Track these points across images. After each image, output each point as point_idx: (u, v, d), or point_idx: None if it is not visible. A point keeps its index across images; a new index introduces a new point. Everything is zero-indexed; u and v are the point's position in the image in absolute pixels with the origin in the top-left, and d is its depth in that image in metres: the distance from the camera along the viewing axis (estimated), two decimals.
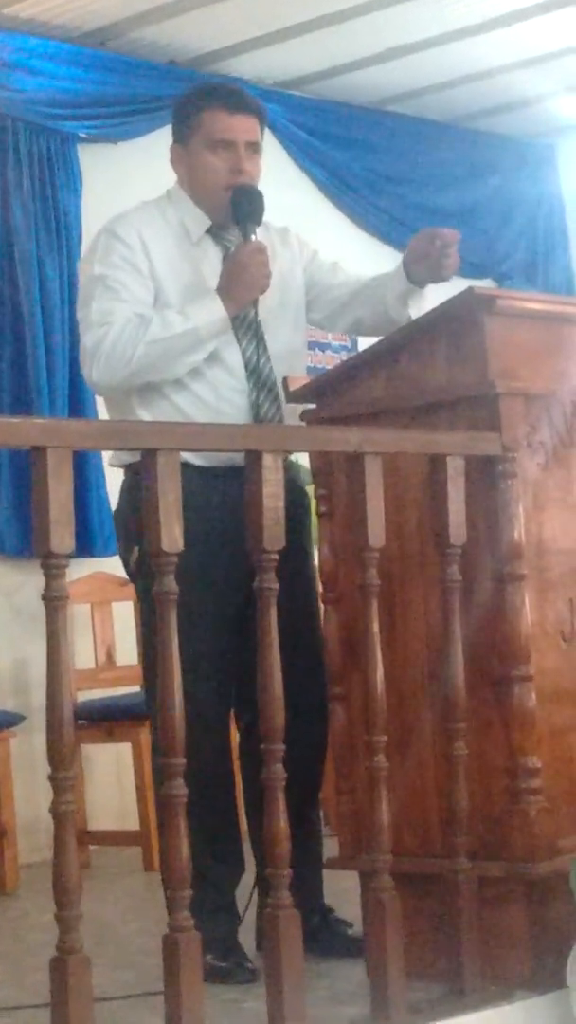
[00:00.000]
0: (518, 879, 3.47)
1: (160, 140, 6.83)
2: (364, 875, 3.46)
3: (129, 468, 3.92)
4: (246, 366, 3.92)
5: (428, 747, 3.59)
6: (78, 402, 6.45)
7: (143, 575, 3.76)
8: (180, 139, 4.07)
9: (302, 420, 3.81)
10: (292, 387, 3.88)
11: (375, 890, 3.32)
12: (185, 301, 3.88)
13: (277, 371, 3.97)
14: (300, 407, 3.85)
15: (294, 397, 3.87)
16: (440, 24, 6.84)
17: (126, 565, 3.99)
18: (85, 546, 6.29)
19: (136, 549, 3.82)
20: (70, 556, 2.83)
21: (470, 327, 3.56)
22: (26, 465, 2.86)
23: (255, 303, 3.90)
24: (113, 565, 6.38)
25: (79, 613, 6.11)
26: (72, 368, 6.44)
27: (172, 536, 2.96)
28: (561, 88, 7.74)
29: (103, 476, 6.47)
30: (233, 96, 4.08)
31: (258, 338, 3.93)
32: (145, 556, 3.58)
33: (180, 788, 2.97)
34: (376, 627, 3.35)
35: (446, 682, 3.48)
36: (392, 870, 3.34)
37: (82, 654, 6.10)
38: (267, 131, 7.21)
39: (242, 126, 4.01)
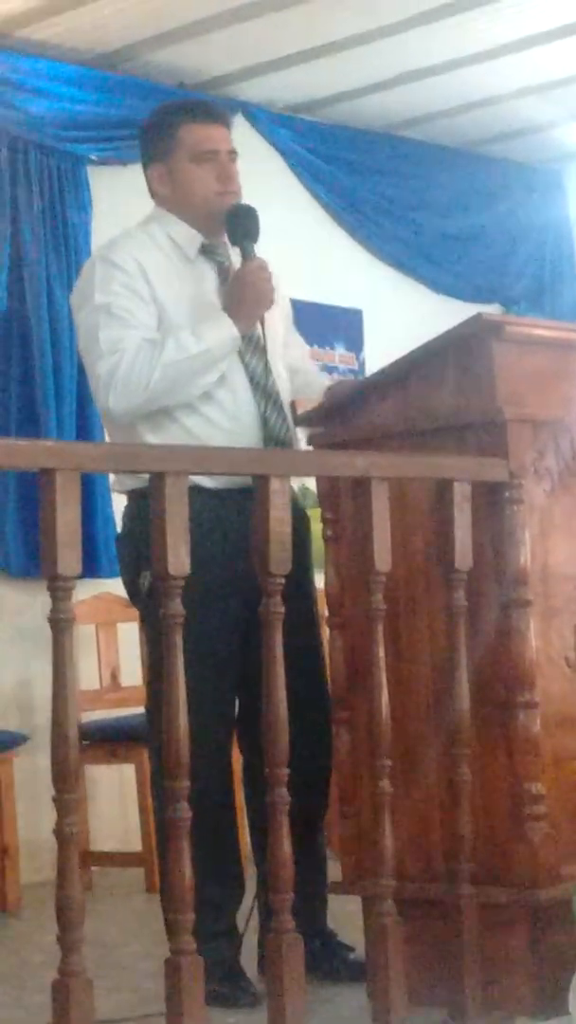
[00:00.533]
0: (521, 905, 3.47)
1: None
2: (367, 900, 3.45)
3: (133, 494, 3.92)
4: (252, 381, 3.95)
5: (432, 772, 3.59)
6: (86, 424, 6.46)
7: (154, 602, 3.73)
8: (160, 158, 4.07)
9: (310, 444, 3.81)
10: (300, 410, 3.88)
11: (378, 915, 3.32)
12: (190, 321, 3.89)
13: (280, 385, 4.00)
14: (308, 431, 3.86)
15: (301, 421, 3.87)
16: (449, 51, 6.86)
17: (130, 588, 3.99)
18: (91, 567, 6.29)
19: (147, 574, 3.80)
20: (77, 578, 2.84)
21: (478, 353, 3.57)
22: (33, 487, 2.86)
23: (261, 320, 3.94)
24: (119, 587, 6.39)
25: (84, 634, 6.11)
26: (80, 390, 6.45)
27: (179, 560, 2.96)
28: (569, 115, 7.75)
29: (109, 498, 6.47)
30: (206, 108, 4.15)
31: (263, 354, 3.97)
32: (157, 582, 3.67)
33: (183, 811, 2.97)
34: (381, 651, 3.36)
35: (451, 707, 3.48)
36: (395, 895, 3.34)
37: (87, 675, 6.10)
38: (277, 155, 7.27)
39: (220, 135, 4.07)
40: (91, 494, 6.32)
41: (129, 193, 6.76)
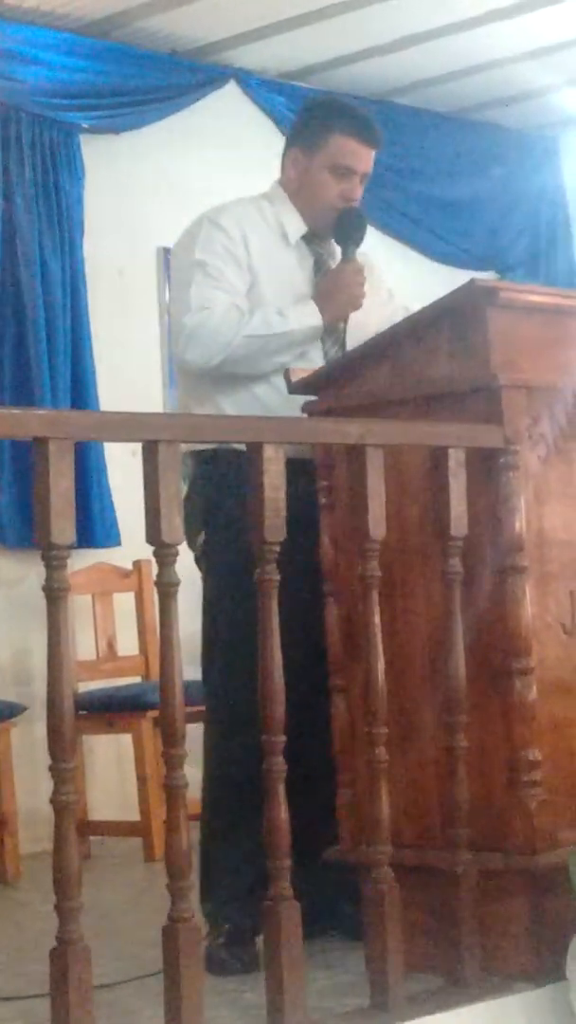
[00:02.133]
0: (518, 871, 3.47)
1: (162, 131, 6.92)
2: (364, 867, 3.45)
3: (194, 456, 4.02)
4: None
5: (428, 739, 3.59)
6: (80, 393, 6.45)
7: (207, 562, 3.97)
8: (302, 146, 4.18)
9: (304, 412, 3.81)
10: (294, 378, 3.88)
11: (375, 882, 3.32)
12: (278, 299, 4.02)
13: None
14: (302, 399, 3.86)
15: (296, 389, 3.87)
16: (444, 15, 6.82)
17: (192, 548, 4.02)
18: (87, 537, 6.29)
19: (203, 533, 3.95)
20: (71, 547, 2.84)
21: (473, 319, 3.56)
22: (28, 456, 2.86)
23: (346, 318, 4.08)
24: (115, 556, 6.41)
25: (80, 604, 6.11)
26: (74, 359, 6.44)
27: (172, 527, 2.96)
28: (565, 81, 7.72)
29: (105, 467, 6.47)
30: (367, 127, 4.20)
31: (341, 345, 4.08)
32: (209, 543, 3.89)
33: (181, 779, 2.97)
34: (377, 619, 3.36)
35: (447, 674, 3.48)
36: (392, 862, 3.34)
37: (83, 645, 6.11)
38: (269, 121, 7.25)
39: (367, 157, 4.18)
40: (86, 464, 6.32)
41: (122, 161, 6.80)
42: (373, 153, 4.19)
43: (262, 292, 4.03)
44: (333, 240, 4.20)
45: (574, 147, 8.63)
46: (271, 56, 7.13)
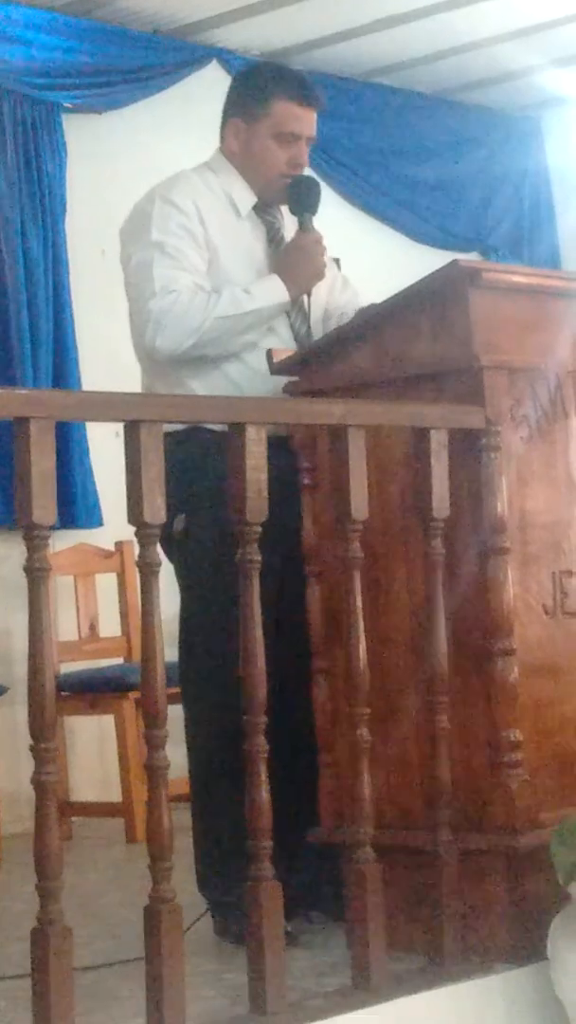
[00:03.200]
0: (499, 852, 3.48)
1: (144, 110, 6.90)
2: (346, 848, 3.46)
3: (168, 438, 3.93)
4: (296, 338, 4.02)
5: (411, 720, 3.59)
6: (62, 373, 6.44)
7: (188, 544, 3.90)
8: (243, 116, 4.11)
9: (286, 392, 3.80)
10: (276, 360, 3.87)
11: (357, 862, 3.33)
12: (238, 273, 3.98)
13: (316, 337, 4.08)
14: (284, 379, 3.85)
15: (278, 369, 3.86)
16: None
17: (165, 535, 3.98)
18: (69, 518, 6.29)
19: (181, 517, 3.86)
20: (52, 527, 2.83)
21: (455, 300, 3.55)
22: (9, 436, 2.85)
23: (309, 289, 4.04)
24: (97, 537, 6.40)
25: (63, 585, 6.10)
26: (56, 339, 6.43)
27: (154, 507, 2.96)
28: (547, 61, 7.72)
29: (87, 448, 6.47)
30: (306, 89, 4.15)
31: (304, 313, 4.05)
32: (191, 524, 3.84)
33: (163, 759, 2.97)
34: (359, 600, 3.36)
35: (429, 656, 3.48)
36: (374, 843, 3.35)
37: (65, 626, 6.10)
38: None
39: (309, 120, 4.12)
40: (68, 444, 6.31)
41: (104, 141, 6.78)
42: (315, 115, 4.14)
43: (222, 267, 3.97)
44: (287, 209, 4.14)
45: (557, 128, 8.63)
46: (254, 36, 7.12)
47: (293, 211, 4.11)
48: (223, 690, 3.57)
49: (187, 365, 3.95)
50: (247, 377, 3.95)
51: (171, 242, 3.94)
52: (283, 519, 3.54)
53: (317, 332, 4.07)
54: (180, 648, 3.98)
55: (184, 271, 3.92)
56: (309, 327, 4.06)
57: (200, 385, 3.95)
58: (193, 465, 3.81)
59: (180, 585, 4.00)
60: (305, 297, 4.04)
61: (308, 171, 4.20)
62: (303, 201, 4.08)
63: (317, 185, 4.15)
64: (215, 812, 3.86)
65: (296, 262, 4.02)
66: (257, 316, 3.94)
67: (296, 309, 4.05)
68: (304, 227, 4.07)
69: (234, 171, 4.11)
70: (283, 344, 3.99)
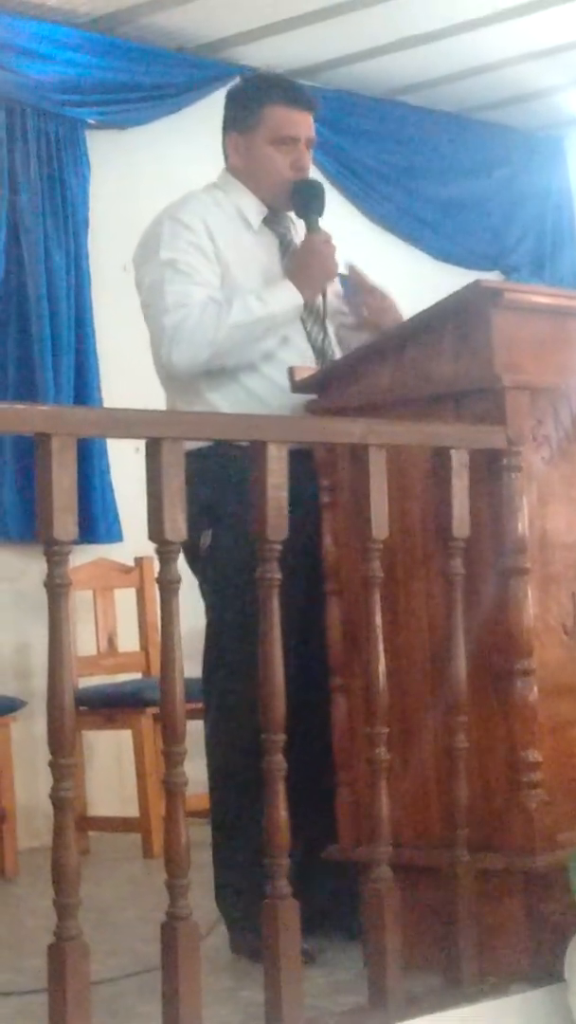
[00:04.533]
0: (517, 872, 3.47)
1: (168, 127, 6.92)
2: (363, 866, 3.45)
3: (192, 455, 3.92)
4: (313, 347, 4.04)
5: (429, 739, 3.59)
6: (83, 389, 6.46)
7: (214, 559, 3.91)
8: (239, 129, 4.15)
9: (307, 410, 3.81)
10: (297, 378, 3.88)
11: (374, 881, 3.32)
12: (251, 285, 3.98)
13: (339, 350, 4.10)
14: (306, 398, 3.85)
15: (299, 387, 3.87)
16: (451, 15, 6.83)
17: (189, 549, 3.97)
18: (89, 533, 6.30)
19: (208, 533, 3.89)
20: (73, 543, 2.84)
21: (477, 320, 3.55)
22: (31, 451, 2.86)
23: (323, 291, 4.05)
24: (117, 552, 6.41)
25: (82, 599, 6.11)
26: (78, 355, 6.45)
27: (175, 524, 2.96)
28: (570, 81, 7.73)
29: (108, 463, 6.48)
30: (296, 92, 4.19)
31: (321, 321, 4.06)
32: (217, 539, 3.85)
33: (181, 776, 2.97)
34: (378, 619, 3.35)
35: (448, 675, 3.48)
36: (391, 861, 3.34)
37: (84, 640, 6.11)
38: None
39: (305, 122, 4.14)
40: (89, 460, 6.32)
41: (127, 157, 6.80)
42: (311, 117, 4.15)
43: (235, 281, 3.98)
44: (293, 215, 4.15)
45: None
46: (277, 53, 7.12)
47: (299, 214, 4.12)
48: (246, 706, 3.57)
49: (206, 379, 3.96)
50: (267, 390, 3.95)
51: (182, 259, 3.96)
52: (311, 533, 3.55)
53: (332, 335, 4.11)
54: (204, 662, 3.99)
55: (197, 285, 3.93)
56: (327, 334, 4.07)
57: (220, 399, 3.96)
58: (219, 481, 3.83)
59: (205, 601, 4.01)
60: (321, 300, 4.04)
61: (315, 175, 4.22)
62: (308, 203, 4.09)
63: (320, 186, 4.15)
64: (235, 828, 3.86)
65: (306, 264, 4.02)
66: (271, 321, 3.94)
67: (313, 318, 4.06)
68: (311, 229, 4.07)
69: (241, 186, 4.13)
70: (300, 354, 4.00)
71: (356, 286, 4.18)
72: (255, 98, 4.14)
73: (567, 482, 3.67)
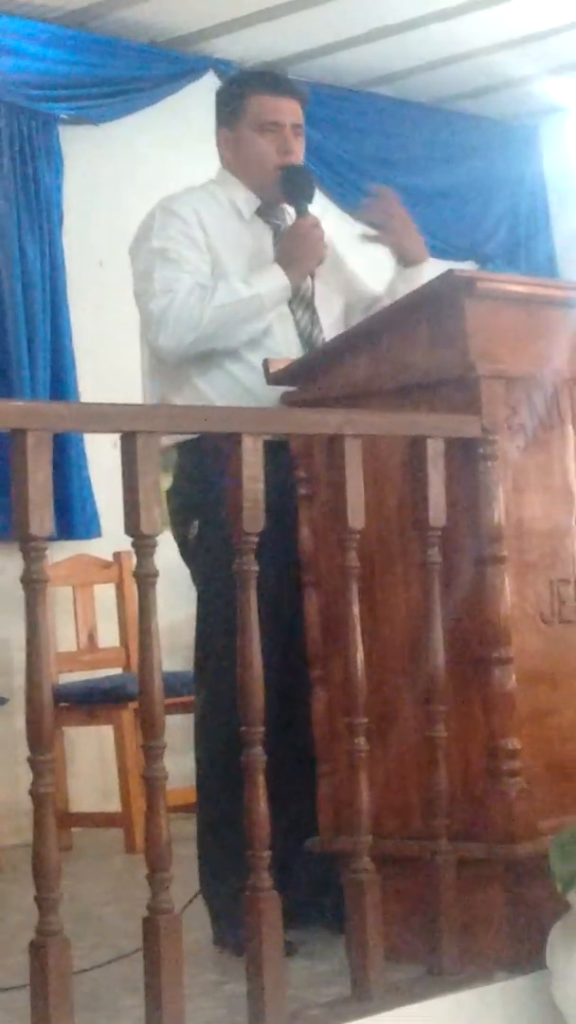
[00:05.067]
0: (498, 861, 3.48)
1: (141, 121, 6.91)
2: (344, 857, 3.46)
3: (181, 447, 4.00)
4: (300, 336, 4.06)
5: (408, 729, 3.59)
6: (59, 385, 6.44)
7: (202, 549, 3.93)
8: (226, 124, 4.19)
9: (283, 402, 3.81)
10: (273, 369, 3.87)
11: (355, 872, 3.32)
12: (243, 273, 4.00)
13: (327, 337, 4.08)
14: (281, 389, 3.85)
15: (275, 379, 3.87)
16: (424, 4, 6.83)
17: (180, 540, 4.01)
18: (68, 529, 6.29)
19: (196, 523, 3.93)
20: (50, 539, 2.83)
21: (451, 309, 3.56)
22: (5, 448, 2.85)
23: (312, 275, 4.07)
24: (96, 548, 6.40)
25: (61, 595, 6.11)
26: (54, 350, 6.44)
27: (151, 519, 2.95)
28: (544, 70, 7.73)
29: (85, 459, 6.47)
30: (277, 80, 4.22)
31: (311, 309, 4.09)
32: (204, 529, 3.86)
33: (161, 770, 2.97)
34: (356, 609, 3.35)
35: (426, 664, 3.48)
36: (372, 852, 3.34)
37: (64, 636, 6.10)
38: None
39: (288, 108, 4.16)
40: (67, 455, 6.31)
41: (100, 152, 6.78)
42: (295, 104, 4.17)
43: (225, 270, 4.00)
44: (288, 207, 4.17)
45: (554, 136, 8.64)
46: (250, 46, 7.12)
47: (288, 200, 4.14)
48: (233, 696, 3.58)
49: (195, 364, 3.99)
50: (252, 379, 3.96)
51: (171, 247, 3.99)
52: (291, 525, 3.56)
53: (333, 334, 4.08)
54: (195, 652, 4.02)
55: (185, 273, 3.96)
56: (315, 322, 4.08)
57: (207, 385, 3.98)
58: (207, 471, 3.84)
59: (197, 591, 4.03)
60: (309, 284, 4.07)
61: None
62: (295, 188, 4.12)
63: (308, 171, 4.19)
64: (219, 821, 3.86)
65: (293, 247, 4.05)
66: (257, 303, 3.95)
67: (302, 305, 4.07)
68: (300, 213, 4.10)
69: (235, 179, 4.17)
70: (288, 342, 4.00)
71: (387, 197, 4.25)
72: (237, 91, 4.20)
73: (542, 470, 3.68)
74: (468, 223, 8.35)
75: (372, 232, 4.23)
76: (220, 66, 7.17)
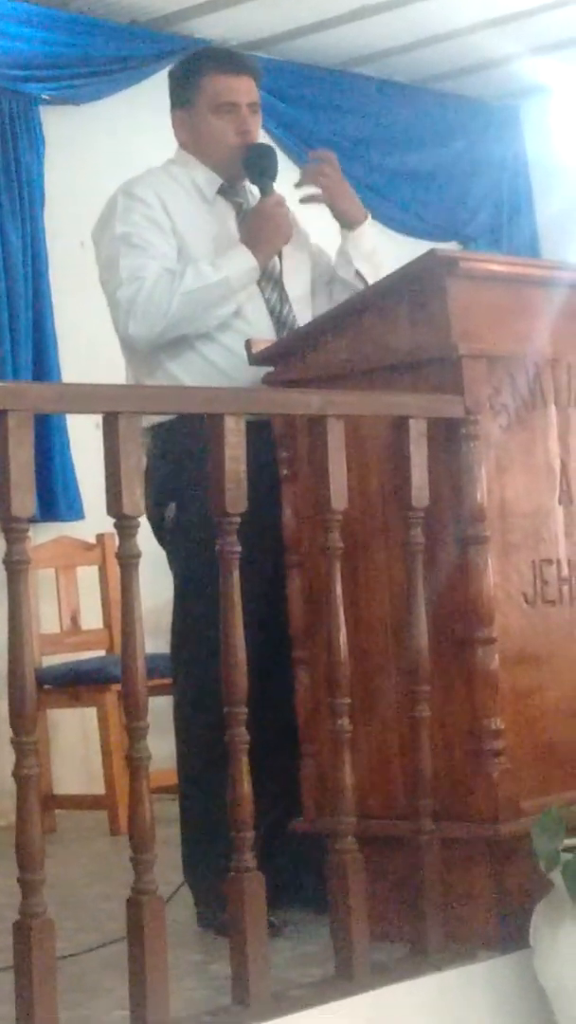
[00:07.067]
0: (481, 840, 3.48)
1: (122, 102, 6.88)
2: (328, 837, 3.46)
3: (155, 429, 3.96)
4: (270, 312, 4.04)
5: (392, 710, 3.60)
6: (42, 366, 6.43)
7: (179, 532, 3.91)
8: (181, 105, 4.16)
9: (265, 382, 3.80)
10: (255, 350, 3.87)
11: (339, 852, 3.33)
12: (209, 255, 3.97)
13: (298, 315, 4.08)
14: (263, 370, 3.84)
15: (257, 360, 3.86)
16: None
17: (155, 523, 3.97)
18: (50, 511, 6.27)
19: (173, 505, 3.91)
20: (33, 520, 2.82)
21: (433, 289, 3.55)
22: None
23: (280, 254, 4.06)
24: (79, 530, 6.39)
25: (44, 578, 6.09)
26: (36, 331, 6.41)
27: (133, 500, 2.95)
28: (526, 49, 7.71)
29: (68, 440, 6.45)
30: (231, 59, 4.21)
31: (280, 287, 4.07)
32: (181, 512, 3.84)
33: (144, 751, 2.97)
34: (339, 590, 3.35)
35: (409, 645, 3.48)
36: (356, 832, 3.35)
37: (47, 618, 6.09)
38: None
39: (243, 87, 4.13)
40: (49, 437, 6.30)
41: (82, 132, 6.76)
42: (250, 81, 4.15)
43: (192, 253, 3.98)
44: (248, 182, 4.15)
45: (536, 116, 8.62)
46: (231, 26, 7.10)
47: (252, 180, 4.12)
48: (212, 679, 3.57)
49: (166, 349, 3.96)
50: (226, 359, 3.95)
51: (136, 232, 3.96)
52: (273, 505, 3.55)
53: (302, 310, 4.08)
54: (172, 636, 4.00)
55: (151, 258, 3.93)
56: (285, 300, 4.06)
57: (180, 369, 3.96)
58: (182, 454, 3.83)
59: (173, 574, 4.01)
60: (277, 263, 4.05)
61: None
62: (258, 167, 4.09)
63: (270, 149, 4.16)
64: (202, 801, 3.86)
65: (259, 227, 4.03)
66: (226, 286, 3.93)
67: (271, 284, 4.05)
68: (264, 192, 4.08)
69: (194, 160, 4.14)
70: (259, 322, 3.99)
71: (325, 159, 4.24)
72: (191, 72, 4.16)
73: (525, 450, 3.68)
74: (450, 203, 8.34)
75: (311, 192, 4.20)
76: (202, 46, 7.14)
